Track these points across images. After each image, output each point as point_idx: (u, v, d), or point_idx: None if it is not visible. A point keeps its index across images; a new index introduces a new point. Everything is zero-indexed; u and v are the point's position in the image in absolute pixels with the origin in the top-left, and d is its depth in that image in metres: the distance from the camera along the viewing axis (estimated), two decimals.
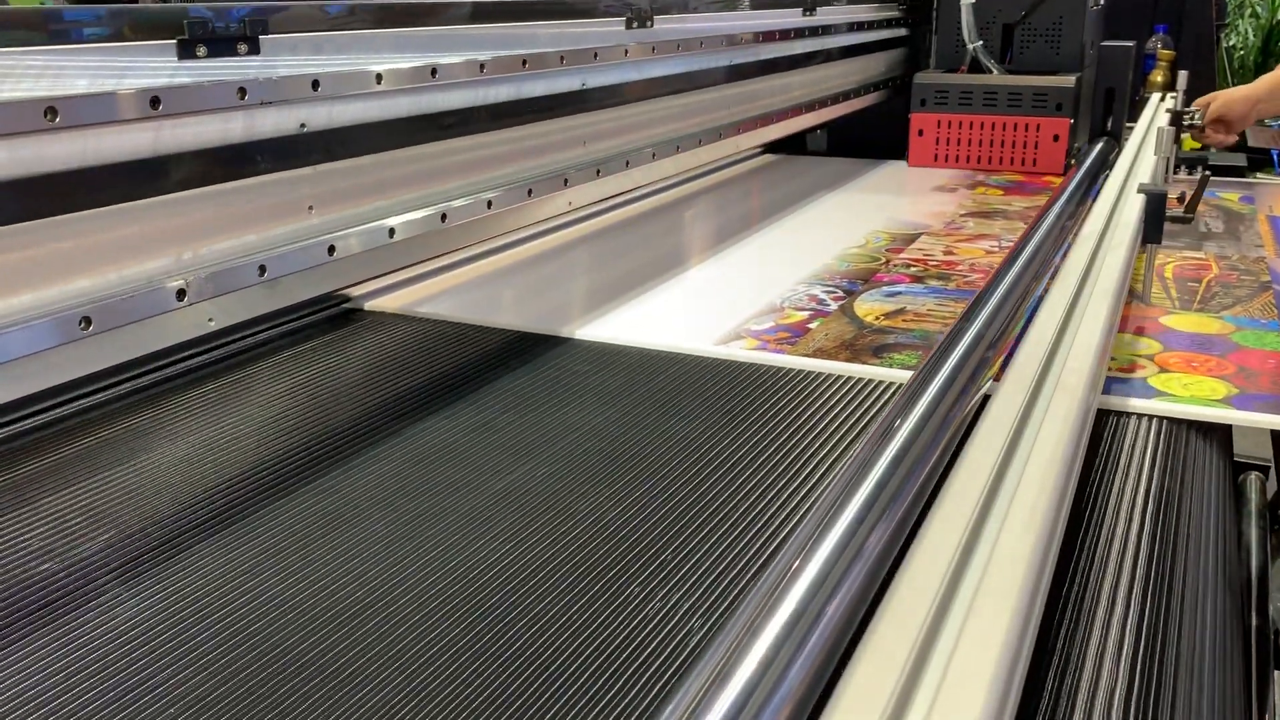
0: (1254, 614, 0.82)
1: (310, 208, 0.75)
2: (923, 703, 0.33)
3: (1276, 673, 0.78)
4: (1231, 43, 2.93)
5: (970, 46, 1.84)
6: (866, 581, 0.40)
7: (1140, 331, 0.99)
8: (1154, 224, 0.98)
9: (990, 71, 1.84)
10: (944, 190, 1.65)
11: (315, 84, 0.72)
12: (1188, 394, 0.86)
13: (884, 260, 1.21)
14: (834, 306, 1.03)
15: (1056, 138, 1.77)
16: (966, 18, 1.82)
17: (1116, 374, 0.90)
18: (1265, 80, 1.68)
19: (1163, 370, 0.90)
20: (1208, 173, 1.27)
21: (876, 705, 0.32)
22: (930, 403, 0.54)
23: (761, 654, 0.34)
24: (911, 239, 1.31)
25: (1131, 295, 1.08)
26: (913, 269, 1.17)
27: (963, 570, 0.39)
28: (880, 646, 0.34)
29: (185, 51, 0.62)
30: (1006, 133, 1.80)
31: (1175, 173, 1.64)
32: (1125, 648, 0.58)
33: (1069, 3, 1.82)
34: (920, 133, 1.83)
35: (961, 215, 1.45)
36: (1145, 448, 0.83)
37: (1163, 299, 1.08)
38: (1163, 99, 1.72)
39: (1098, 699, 0.54)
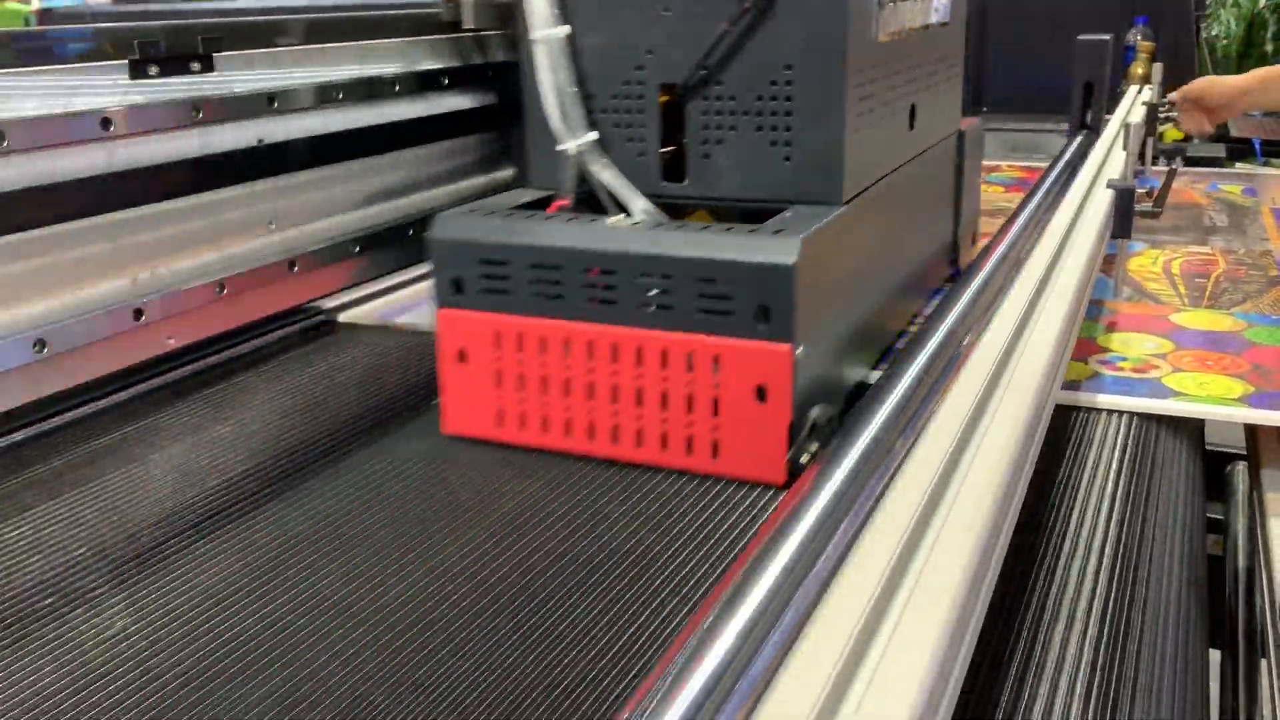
0: (1240, 604, 0.82)
1: (270, 224, 0.75)
2: (849, 709, 0.33)
3: (1263, 661, 0.78)
4: (1214, 33, 2.92)
5: (569, 147, 0.70)
6: (822, 585, 0.40)
7: (1151, 330, 0.99)
8: (1123, 219, 0.99)
9: (621, 214, 0.70)
10: None
11: (272, 99, 0.72)
12: (1204, 393, 0.85)
13: None
14: None
15: (762, 393, 0.62)
16: (550, 78, 0.69)
17: (1129, 374, 0.90)
18: (1258, 73, 1.67)
19: (1177, 370, 0.90)
20: (1174, 167, 1.27)
21: (804, 707, 0.32)
22: (896, 405, 0.54)
23: (722, 654, 0.34)
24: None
25: (1141, 293, 1.08)
26: None
27: (899, 576, 0.39)
28: (809, 652, 0.34)
29: (137, 71, 0.62)
30: (645, 372, 0.65)
31: (1154, 164, 1.64)
32: (1088, 641, 0.59)
33: (812, 35, 0.64)
34: (461, 356, 0.69)
35: None
36: (1115, 443, 0.83)
37: (1171, 296, 1.07)
38: (1139, 91, 1.72)
39: (1059, 689, 0.55)
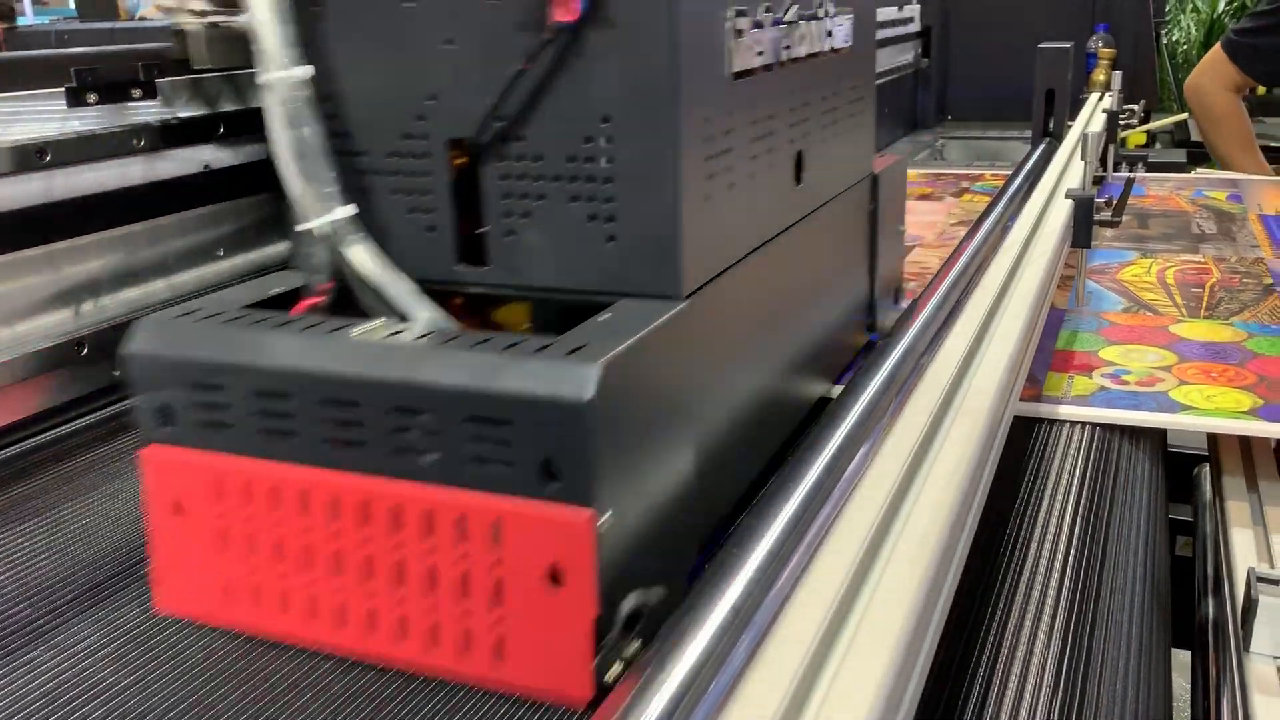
0: (1210, 606, 0.82)
1: (220, 252, 0.74)
2: None
3: (1231, 662, 0.79)
4: (1174, 38, 2.96)
5: (315, 224, 0.52)
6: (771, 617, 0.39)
7: (1152, 342, 0.98)
8: (1083, 229, 0.99)
9: (383, 319, 0.51)
10: (930, 199, 1.62)
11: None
12: (1212, 406, 0.84)
13: None
14: None
15: (556, 576, 0.43)
16: (286, 133, 0.51)
17: (1136, 388, 0.89)
18: None
19: (1182, 383, 0.89)
20: (1133, 175, 1.28)
21: None
22: (854, 424, 0.53)
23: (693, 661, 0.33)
24: (906, 251, 1.29)
25: (1138, 304, 1.08)
26: (911, 284, 1.14)
27: (848, 606, 0.38)
28: (763, 675, 0.33)
29: (74, 100, 0.61)
30: (406, 541, 0.46)
31: (1116, 171, 1.65)
32: (1051, 646, 0.59)
33: (632, 76, 0.47)
34: (177, 508, 0.50)
35: (952, 225, 1.42)
36: (1077, 453, 0.83)
37: (1169, 306, 1.07)
38: (1100, 99, 1.74)
39: (1024, 694, 0.55)
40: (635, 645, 0.44)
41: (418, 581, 0.45)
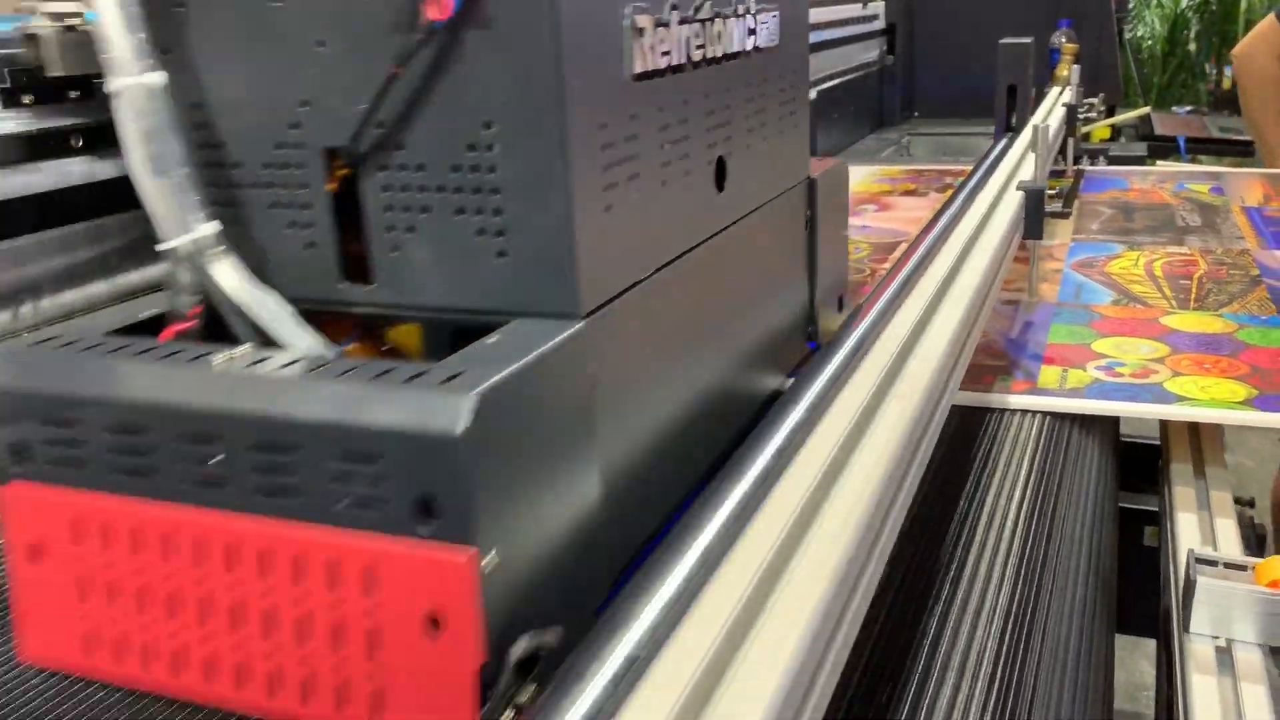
0: (1174, 591, 0.84)
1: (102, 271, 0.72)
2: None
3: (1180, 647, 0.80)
4: (1139, 33, 2.99)
5: (175, 244, 0.47)
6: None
7: (1144, 334, 0.99)
8: (1034, 220, 1.00)
9: (247, 345, 0.46)
10: (915, 195, 1.62)
11: None
12: (1207, 397, 0.85)
13: (869, 271, 1.18)
14: None
15: (436, 622, 0.39)
16: (141, 146, 0.46)
17: (1130, 380, 0.90)
18: None
19: (1176, 374, 0.90)
20: (1081, 169, 1.29)
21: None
22: (804, 414, 0.53)
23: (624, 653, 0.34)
24: (891, 247, 1.29)
25: (1128, 296, 1.09)
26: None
27: (765, 593, 0.39)
28: (663, 674, 0.34)
29: (9, 99, 0.61)
30: (275, 587, 0.43)
31: (1075, 164, 1.67)
32: (992, 631, 0.60)
33: (516, 78, 0.44)
34: (35, 552, 0.46)
35: None
36: (1027, 442, 0.84)
37: (1158, 298, 1.08)
38: (1060, 93, 1.75)
39: (964, 678, 0.55)
40: (530, 690, 0.40)
41: (290, 629, 0.41)
